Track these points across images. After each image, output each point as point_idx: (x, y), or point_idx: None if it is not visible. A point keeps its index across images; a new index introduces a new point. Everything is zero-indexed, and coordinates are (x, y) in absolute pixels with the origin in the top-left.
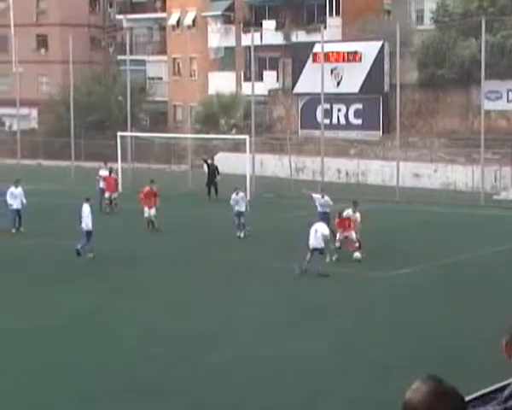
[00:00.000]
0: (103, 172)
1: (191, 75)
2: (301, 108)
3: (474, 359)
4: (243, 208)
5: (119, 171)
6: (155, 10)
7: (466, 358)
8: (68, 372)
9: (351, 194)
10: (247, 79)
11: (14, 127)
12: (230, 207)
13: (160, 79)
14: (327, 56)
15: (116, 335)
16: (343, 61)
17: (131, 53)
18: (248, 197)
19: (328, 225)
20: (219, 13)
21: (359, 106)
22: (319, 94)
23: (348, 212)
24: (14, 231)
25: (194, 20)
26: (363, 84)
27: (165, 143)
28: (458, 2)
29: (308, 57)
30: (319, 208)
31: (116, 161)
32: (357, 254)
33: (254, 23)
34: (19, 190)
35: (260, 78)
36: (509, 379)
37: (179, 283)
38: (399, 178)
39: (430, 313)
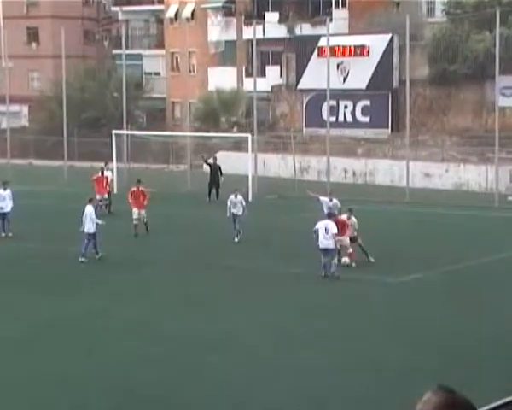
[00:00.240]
0: (106, 173)
1: (190, 70)
2: (306, 105)
3: (488, 366)
4: (240, 212)
5: (115, 171)
6: (152, 2)
7: (479, 365)
8: (61, 382)
9: (358, 195)
10: (249, 74)
11: (4, 125)
12: (227, 208)
13: (158, 74)
14: (333, 50)
15: (116, 336)
16: (350, 55)
17: (127, 47)
18: (250, 198)
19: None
20: (220, 5)
21: (367, 102)
22: (325, 90)
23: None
24: (3, 235)
25: (193, 13)
26: (371, 80)
27: (162, 141)
28: None
29: (313, 51)
30: (326, 211)
31: (111, 160)
32: (345, 259)
33: (256, 15)
34: (7, 193)
35: (263, 73)
36: None
37: (179, 285)
38: (409, 179)
39: (439, 321)
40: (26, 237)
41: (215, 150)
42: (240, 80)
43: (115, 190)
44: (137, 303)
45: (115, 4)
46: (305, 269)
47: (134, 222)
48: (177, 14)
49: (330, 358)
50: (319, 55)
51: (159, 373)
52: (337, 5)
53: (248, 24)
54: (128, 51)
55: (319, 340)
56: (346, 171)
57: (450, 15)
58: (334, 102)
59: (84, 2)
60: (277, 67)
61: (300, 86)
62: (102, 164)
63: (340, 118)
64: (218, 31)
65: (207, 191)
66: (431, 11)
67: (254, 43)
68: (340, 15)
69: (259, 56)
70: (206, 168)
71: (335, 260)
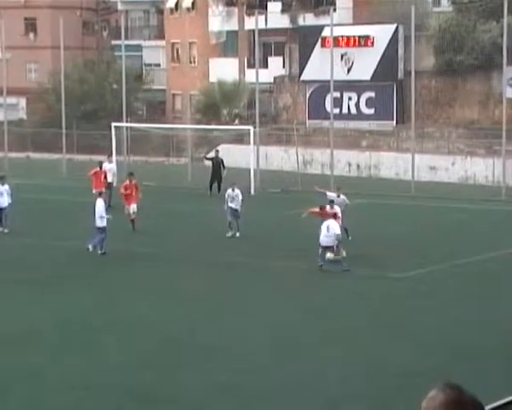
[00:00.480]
0: (107, 165)
1: (191, 62)
2: (309, 97)
3: (495, 363)
4: (238, 207)
5: (114, 164)
6: None
7: (485, 362)
8: (60, 381)
9: (362, 188)
10: (251, 65)
11: (1, 118)
12: (225, 202)
13: (158, 65)
14: (336, 41)
15: (116, 337)
16: (354, 45)
17: (127, 38)
18: (253, 192)
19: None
20: None
21: (371, 94)
22: (328, 81)
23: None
24: (2, 230)
25: (193, 3)
26: (376, 71)
27: (163, 134)
28: None
29: (316, 42)
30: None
31: (111, 153)
32: (329, 255)
33: (259, 5)
34: (5, 188)
35: (265, 64)
36: None
37: (179, 281)
38: (415, 172)
39: (445, 316)
40: (24, 233)
41: (216, 143)
42: (242, 71)
43: (115, 184)
44: (135, 300)
45: None
46: (308, 264)
47: (131, 217)
48: (177, 3)
49: (334, 355)
50: (322, 45)
51: (159, 373)
52: None
53: (250, 14)
54: (127, 42)
55: (322, 338)
56: (350, 164)
57: (456, 5)
58: (337, 94)
59: None
60: (280, 58)
61: (303, 78)
62: (104, 157)
63: (344, 110)
64: (219, 21)
65: (209, 185)
66: (437, 1)
67: (256, 33)
68: (343, 5)
69: (262, 47)
70: (208, 162)
71: (330, 256)
